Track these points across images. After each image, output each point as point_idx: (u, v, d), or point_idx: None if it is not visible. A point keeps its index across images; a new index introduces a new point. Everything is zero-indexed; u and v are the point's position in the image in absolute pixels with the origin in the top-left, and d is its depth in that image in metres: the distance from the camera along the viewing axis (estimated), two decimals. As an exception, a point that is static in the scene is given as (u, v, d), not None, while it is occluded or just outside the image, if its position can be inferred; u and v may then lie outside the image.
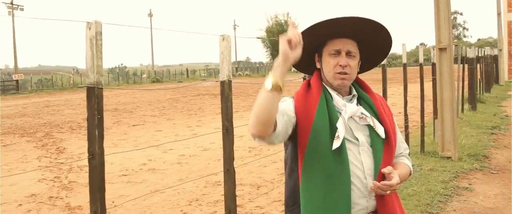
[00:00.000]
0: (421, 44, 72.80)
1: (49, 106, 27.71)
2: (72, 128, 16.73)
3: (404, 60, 8.68)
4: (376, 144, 2.37)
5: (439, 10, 8.55)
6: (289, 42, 2.01)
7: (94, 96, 2.43)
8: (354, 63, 2.43)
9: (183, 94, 33.30)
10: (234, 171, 3.44)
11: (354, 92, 2.49)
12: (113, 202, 7.60)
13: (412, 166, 2.65)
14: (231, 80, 3.47)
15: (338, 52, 2.41)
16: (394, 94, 21.90)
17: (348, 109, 2.38)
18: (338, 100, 2.42)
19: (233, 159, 3.41)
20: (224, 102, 3.46)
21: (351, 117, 2.38)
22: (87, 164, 8.30)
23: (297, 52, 2.05)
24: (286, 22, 74.91)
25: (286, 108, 2.33)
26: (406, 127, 8.43)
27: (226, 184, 3.43)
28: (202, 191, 8.01)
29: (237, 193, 7.69)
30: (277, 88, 2.02)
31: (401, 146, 2.60)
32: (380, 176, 2.33)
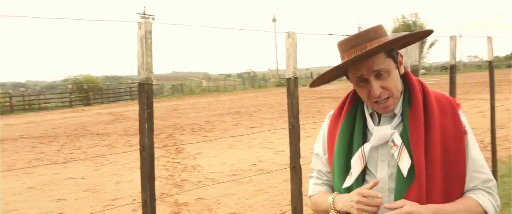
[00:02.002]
0: None
1: (177, 109, 29.13)
2: (193, 130, 17.47)
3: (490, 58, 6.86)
4: (399, 181, 1.85)
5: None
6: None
7: (144, 92, 2.57)
8: (390, 80, 1.87)
9: (305, 97, 33.46)
10: (301, 168, 3.45)
11: (398, 109, 1.92)
12: (217, 200, 7.88)
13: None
14: (297, 77, 3.48)
15: (364, 80, 1.87)
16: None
17: (375, 134, 1.91)
18: (369, 123, 1.96)
19: (300, 156, 3.42)
20: (290, 99, 3.49)
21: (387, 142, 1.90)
22: (201, 164, 8.71)
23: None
24: (414, 22, 72.59)
25: (321, 167, 2.14)
26: (493, 136, 6.72)
27: (292, 181, 3.45)
28: (306, 192, 8.03)
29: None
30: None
31: (475, 177, 1.90)
32: None
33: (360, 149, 1.92)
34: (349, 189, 1.92)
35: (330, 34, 4.03)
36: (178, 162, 11.32)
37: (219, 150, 12.86)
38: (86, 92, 45.01)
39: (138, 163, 9.30)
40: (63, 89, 49.52)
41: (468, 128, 1.93)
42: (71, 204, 8.13)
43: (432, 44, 72.02)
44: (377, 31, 1.88)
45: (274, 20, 73.73)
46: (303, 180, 3.54)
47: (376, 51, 1.81)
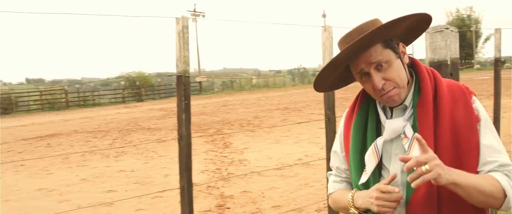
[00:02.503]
0: None
1: (226, 105, 29.43)
2: (241, 125, 17.66)
3: None
4: (410, 174, 1.73)
5: None
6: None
7: (182, 83, 2.69)
8: (392, 70, 1.82)
9: (355, 93, 33.25)
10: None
11: (408, 101, 1.88)
12: (262, 193, 8.00)
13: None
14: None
15: (365, 74, 1.84)
16: None
17: (387, 128, 1.87)
18: (382, 117, 1.93)
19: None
20: (326, 95, 3.54)
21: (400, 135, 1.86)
22: (248, 158, 8.84)
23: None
24: (469, 16, 70.83)
25: (340, 164, 2.13)
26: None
27: (328, 172, 3.51)
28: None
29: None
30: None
31: (490, 162, 1.81)
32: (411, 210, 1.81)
33: (373, 144, 1.89)
34: (365, 185, 1.91)
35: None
36: (225, 156, 11.50)
37: (266, 145, 12.98)
38: (138, 89, 45.98)
39: (186, 157, 9.50)
40: (116, 86, 50.77)
41: (482, 115, 1.86)
42: (121, 196, 8.40)
43: (487, 39, 70.02)
44: (371, 25, 1.82)
45: (324, 15, 73.42)
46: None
47: (364, 39, 1.75)
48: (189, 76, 2.69)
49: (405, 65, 1.89)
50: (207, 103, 32.43)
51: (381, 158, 1.90)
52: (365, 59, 1.80)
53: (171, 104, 34.87)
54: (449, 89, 1.87)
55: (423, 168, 1.62)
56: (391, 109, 1.92)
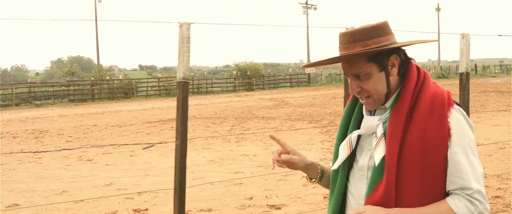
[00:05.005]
0: None
1: (335, 98, 29.80)
2: (353, 118, 18.06)
3: None
4: (374, 172, 1.89)
5: None
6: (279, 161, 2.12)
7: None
8: (369, 83, 1.90)
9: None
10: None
11: (388, 103, 1.93)
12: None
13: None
14: (468, 73, 3.94)
15: (348, 76, 1.96)
16: None
17: (363, 124, 1.98)
18: (364, 112, 2.02)
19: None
20: (462, 92, 3.95)
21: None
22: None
23: (296, 162, 2.13)
24: None
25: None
26: None
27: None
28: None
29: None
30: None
31: (453, 181, 1.83)
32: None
33: (348, 137, 2.02)
34: (336, 172, 2.06)
35: (499, 35, 4.39)
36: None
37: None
38: (249, 78, 47.33)
39: (304, 145, 10.25)
40: (228, 75, 52.51)
41: (455, 131, 1.85)
42: (248, 176, 9.17)
43: None
44: (365, 32, 1.89)
45: (438, 9, 71.25)
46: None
47: (348, 57, 1.90)
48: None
49: (389, 77, 1.93)
50: (316, 95, 32.98)
51: (355, 150, 2.01)
52: (346, 67, 1.95)
53: (280, 94, 35.76)
54: (432, 98, 1.88)
55: None
56: None
